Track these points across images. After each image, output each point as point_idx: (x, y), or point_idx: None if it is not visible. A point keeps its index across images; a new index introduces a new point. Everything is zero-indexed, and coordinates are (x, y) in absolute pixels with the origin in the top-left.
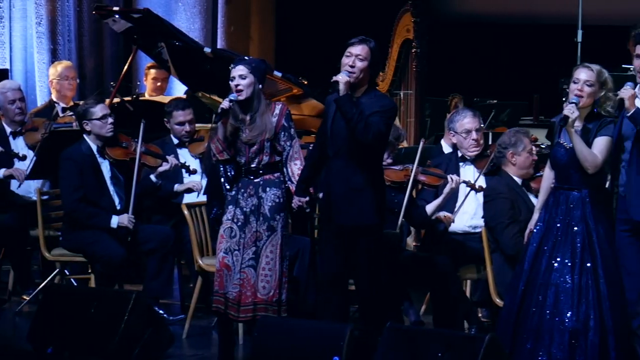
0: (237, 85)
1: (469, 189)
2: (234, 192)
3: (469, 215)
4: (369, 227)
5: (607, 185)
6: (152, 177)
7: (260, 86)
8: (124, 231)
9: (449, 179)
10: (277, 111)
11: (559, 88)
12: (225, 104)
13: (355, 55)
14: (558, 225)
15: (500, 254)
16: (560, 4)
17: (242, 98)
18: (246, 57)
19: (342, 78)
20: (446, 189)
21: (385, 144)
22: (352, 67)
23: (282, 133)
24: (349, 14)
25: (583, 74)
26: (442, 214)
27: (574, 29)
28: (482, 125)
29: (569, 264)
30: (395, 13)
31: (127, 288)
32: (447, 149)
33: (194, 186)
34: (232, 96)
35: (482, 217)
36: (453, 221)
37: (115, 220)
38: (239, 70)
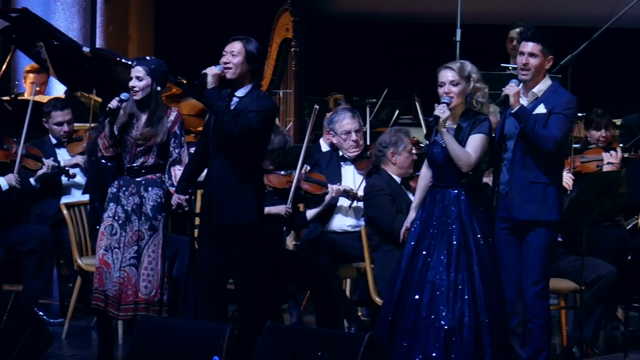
0: (133, 87)
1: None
2: (115, 190)
3: (349, 215)
4: (247, 225)
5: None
6: (32, 180)
7: (159, 88)
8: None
9: (330, 189)
10: (172, 117)
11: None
12: (113, 103)
13: (230, 52)
14: (434, 223)
15: (380, 252)
16: (439, 3)
17: (137, 98)
18: (147, 58)
19: (211, 70)
20: (327, 198)
21: (262, 143)
22: (226, 63)
23: (173, 140)
24: (228, 14)
25: (446, 76)
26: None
27: (453, 27)
28: (361, 125)
29: (445, 262)
30: (274, 12)
31: (6, 288)
32: (325, 147)
33: None
34: (123, 95)
35: (362, 216)
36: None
37: (3, 182)
38: (137, 71)
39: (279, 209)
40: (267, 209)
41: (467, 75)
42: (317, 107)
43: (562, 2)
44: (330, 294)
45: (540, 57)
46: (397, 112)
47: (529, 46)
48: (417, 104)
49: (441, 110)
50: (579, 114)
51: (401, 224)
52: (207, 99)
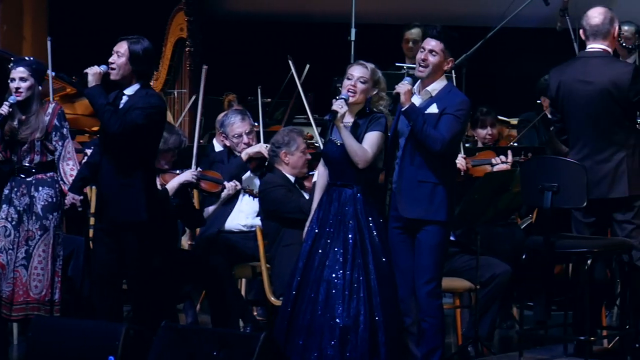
0: (17, 88)
1: (246, 194)
2: (7, 191)
3: (244, 215)
4: (137, 223)
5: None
6: None
7: (40, 87)
8: None
9: (227, 186)
10: (49, 110)
11: (333, 87)
12: (4, 109)
13: (116, 52)
14: (331, 222)
15: (275, 252)
16: (334, 3)
17: (21, 99)
18: (26, 58)
19: (91, 70)
20: (223, 195)
21: (150, 141)
22: (111, 63)
23: (54, 133)
24: (122, 14)
25: (357, 71)
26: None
27: (347, 27)
28: (253, 126)
29: (341, 260)
30: (169, 12)
31: None
32: (218, 147)
33: None
34: (11, 99)
35: (258, 216)
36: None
37: None
38: (19, 72)
39: (186, 175)
40: (174, 180)
41: (377, 79)
42: (206, 67)
43: (457, 2)
44: (225, 293)
45: (441, 56)
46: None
47: (431, 43)
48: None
49: (339, 105)
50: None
51: (299, 204)
52: (87, 96)
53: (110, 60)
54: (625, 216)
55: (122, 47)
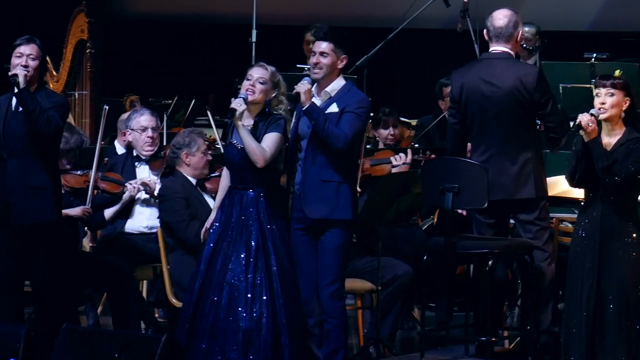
0: None
1: (146, 194)
2: None
3: (145, 216)
4: (47, 224)
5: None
6: None
7: None
8: None
9: (128, 187)
10: None
11: (234, 88)
12: None
13: (27, 55)
14: (233, 225)
15: (177, 253)
16: (235, 4)
17: None
18: None
19: (21, 72)
20: (125, 196)
21: (57, 141)
22: (25, 66)
23: None
24: (22, 14)
25: (257, 72)
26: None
27: (248, 29)
28: (159, 126)
29: (244, 264)
30: (69, 14)
31: None
32: (120, 149)
33: None
34: None
35: (158, 218)
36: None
37: None
38: None
39: (76, 211)
40: (65, 211)
41: (277, 82)
42: (107, 107)
43: (358, 3)
44: (127, 295)
45: (333, 56)
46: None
47: (321, 46)
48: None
49: (238, 104)
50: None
51: (194, 231)
52: (21, 99)
53: (24, 63)
54: (530, 217)
55: (34, 50)
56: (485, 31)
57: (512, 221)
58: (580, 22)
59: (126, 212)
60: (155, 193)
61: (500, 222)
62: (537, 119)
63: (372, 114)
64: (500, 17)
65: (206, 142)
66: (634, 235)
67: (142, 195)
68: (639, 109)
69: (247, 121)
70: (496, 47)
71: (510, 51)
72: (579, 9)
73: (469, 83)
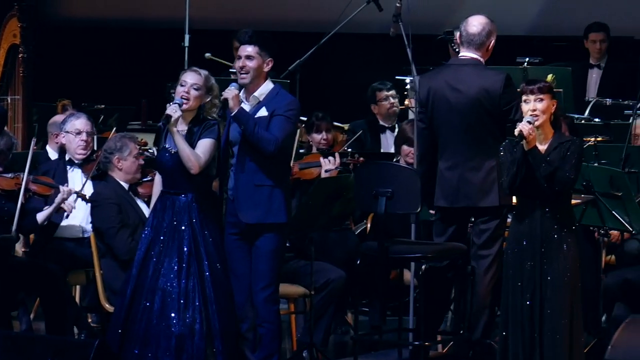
0: None
1: (78, 197)
2: None
3: (77, 220)
4: None
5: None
6: None
7: None
8: None
9: (60, 189)
10: None
11: (167, 93)
12: None
13: None
14: (165, 230)
15: (110, 258)
16: (168, 9)
17: None
18: None
19: None
20: (57, 199)
21: None
22: None
23: None
24: None
25: (190, 77)
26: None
27: (181, 33)
28: (94, 131)
29: (176, 269)
30: (1, 18)
31: None
32: (53, 154)
33: None
34: None
35: (91, 223)
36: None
37: None
38: None
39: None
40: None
41: (210, 86)
42: (35, 139)
43: (291, 8)
44: (59, 300)
45: (258, 59)
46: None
47: (247, 49)
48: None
49: (173, 110)
50: (304, 118)
51: (122, 240)
52: None
53: None
54: (489, 225)
55: None
56: (457, 34)
57: None
58: (517, 27)
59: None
60: (87, 196)
61: (460, 228)
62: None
63: (305, 119)
64: (475, 24)
65: (138, 147)
66: (571, 239)
67: (73, 198)
68: (567, 111)
69: (182, 127)
70: (466, 54)
71: (480, 58)
72: (515, 14)
73: (436, 88)
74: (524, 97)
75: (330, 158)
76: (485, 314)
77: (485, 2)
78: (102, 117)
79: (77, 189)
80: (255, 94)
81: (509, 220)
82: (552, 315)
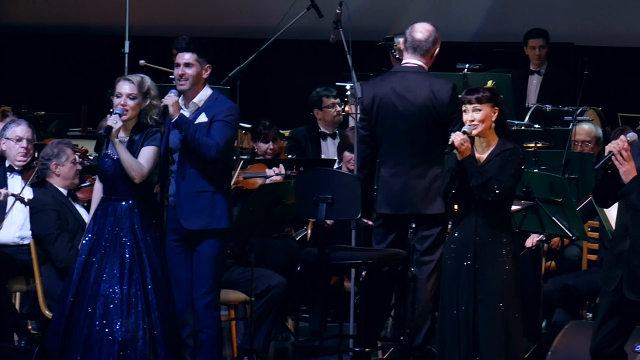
0: None
1: (16, 200)
2: None
3: (17, 226)
4: None
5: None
6: None
7: None
8: None
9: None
10: None
11: (106, 99)
12: None
13: None
14: (107, 236)
15: (50, 265)
16: (108, 15)
17: None
18: None
19: None
20: None
21: None
22: None
23: None
24: None
25: (125, 88)
26: None
27: (121, 40)
28: (34, 138)
29: (118, 275)
30: None
31: None
32: None
33: None
34: None
35: (30, 229)
36: None
37: None
38: None
39: None
40: None
41: (146, 90)
42: None
43: (232, 14)
44: None
45: (197, 66)
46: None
47: (184, 57)
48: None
49: (114, 121)
50: (247, 125)
51: (60, 247)
52: None
53: None
54: (431, 231)
55: None
56: (401, 41)
57: None
58: (458, 34)
59: None
60: (25, 199)
61: (400, 235)
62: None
63: (249, 126)
64: (421, 30)
65: (76, 153)
66: (507, 248)
67: (10, 202)
68: (506, 117)
69: (123, 134)
70: (411, 60)
71: (424, 65)
72: (456, 21)
73: (382, 95)
74: (463, 107)
75: (275, 168)
76: (427, 319)
77: (426, 9)
78: (41, 123)
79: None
80: (194, 100)
81: (449, 226)
82: (486, 320)
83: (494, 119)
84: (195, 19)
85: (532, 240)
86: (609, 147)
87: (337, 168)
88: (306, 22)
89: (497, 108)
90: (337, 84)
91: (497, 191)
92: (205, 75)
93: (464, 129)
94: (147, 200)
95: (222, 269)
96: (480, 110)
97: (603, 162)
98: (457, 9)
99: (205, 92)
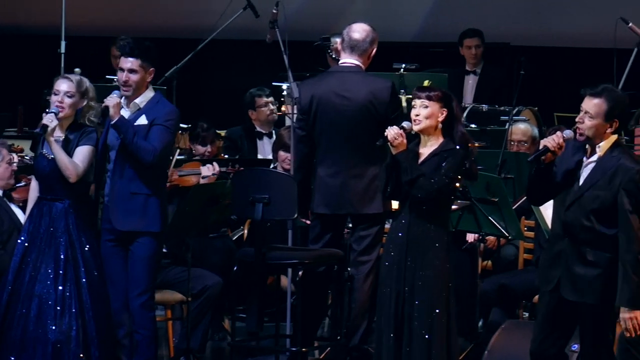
0: None
1: None
2: None
3: None
4: None
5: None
6: None
7: None
8: None
9: None
10: None
11: (43, 99)
12: None
13: None
14: (42, 236)
15: None
16: (43, 15)
17: None
18: None
19: None
20: None
21: None
22: None
23: None
24: None
25: (63, 85)
26: None
27: (57, 40)
28: None
29: (52, 275)
30: None
31: None
32: None
33: None
34: None
35: None
36: None
37: None
38: None
39: None
40: None
41: (84, 91)
42: None
43: (168, 14)
44: None
45: (141, 72)
46: None
47: (128, 62)
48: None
49: (49, 119)
50: (184, 125)
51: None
52: None
53: None
54: (369, 231)
55: None
56: (339, 40)
57: None
58: (402, 34)
59: None
60: None
61: (336, 235)
62: None
63: (186, 126)
64: (359, 30)
65: (11, 153)
66: (439, 244)
67: None
68: (460, 122)
69: (58, 134)
70: (348, 60)
71: (362, 65)
72: (391, 22)
73: (321, 95)
74: (412, 102)
75: (209, 165)
76: (364, 319)
77: (362, 9)
78: None
79: None
80: (136, 101)
81: (387, 226)
82: (419, 319)
83: (440, 119)
84: (132, 18)
85: (473, 235)
86: (544, 142)
87: (273, 167)
88: (243, 22)
89: (446, 109)
90: (273, 84)
91: (425, 189)
92: (149, 79)
93: (403, 124)
94: (82, 200)
95: (157, 269)
96: (427, 107)
97: (537, 154)
98: (397, 10)
99: (148, 94)
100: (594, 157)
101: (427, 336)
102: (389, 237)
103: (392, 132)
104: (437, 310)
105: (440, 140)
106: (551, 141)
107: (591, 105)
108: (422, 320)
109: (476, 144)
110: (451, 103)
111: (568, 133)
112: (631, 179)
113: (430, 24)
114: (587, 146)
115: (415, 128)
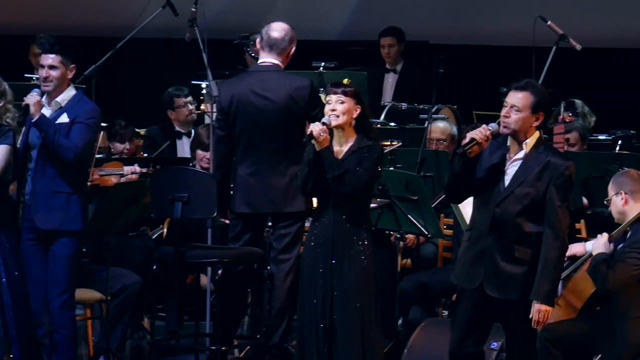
0: None
1: None
2: None
3: None
4: None
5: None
6: None
7: None
8: None
9: None
10: None
11: None
12: None
13: None
14: None
15: None
16: None
17: None
18: None
19: None
20: None
21: None
22: None
23: None
24: None
25: None
26: None
27: None
28: None
29: None
30: None
31: None
32: None
33: None
34: None
35: None
36: None
37: None
38: None
39: None
40: None
41: (2, 91)
42: None
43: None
44: None
45: (62, 68)
46: None
47: (49, 59)
48: None
49: None
50: (103, 124)
51: None
52: None
53: None
54: (289, 229)
55: None
56: (258, 39)
57: None
58: (325, 33)
59: None
60: None
61: (257, 234)
62: None
63: (107, 125)
64: (278, 29)
65: None
66: (365, 242)
67: None
68: (370, 118)
69: None
70: (267, 59)
71: (281, 64)
72: (322, 20)
73: (240, 95)
74: (327, 98)
75: (131, 166)
76: (284, 318)
77: (284, 8)
78: None
79: None
80: (58, 99)
81: (307, 224)
82: (343, 316)
83: (355, 115)
84: (50, 17)
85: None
86: (471, 134)
87: (192, 166)
88: (162, 21)
89: (359, 106)
90: (192, 82)
91: (352, 184)
92: (69, 76)
93: (324, 120)
94: (2, 200)
95: (78, 268)
96: (343, 102)
97: (466, 146)
98: (319, 9)
99: (69, 92)
100: (520, 155)
101: (353, 335)
102: (313, 234)
103: (316, 128)
104: (360, 307)
105: (354, 136)
106: (479, 133)
107: (517, 98)
108: (345, 318)
109: (394, 142)
110: (363, 100)
111: (493, 126)
112: (561, 175)
113: (352, 23)
114: (508, 144)
115: (334, 123)
